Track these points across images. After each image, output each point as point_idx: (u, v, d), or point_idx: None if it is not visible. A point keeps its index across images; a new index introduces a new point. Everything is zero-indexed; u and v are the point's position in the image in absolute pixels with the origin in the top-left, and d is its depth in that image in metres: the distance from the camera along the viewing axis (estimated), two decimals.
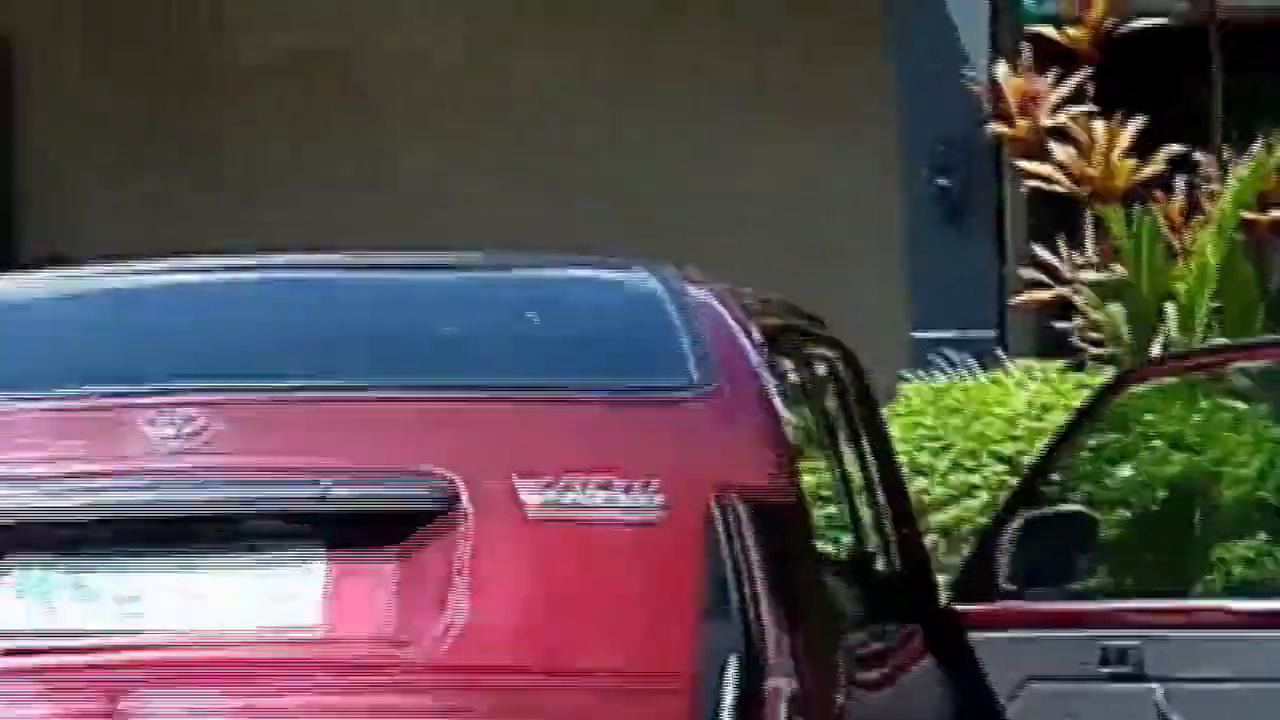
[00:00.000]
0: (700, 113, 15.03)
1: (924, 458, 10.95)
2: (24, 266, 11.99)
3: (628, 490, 5.29)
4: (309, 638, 5.25)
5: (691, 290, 6.14)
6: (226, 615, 5.34)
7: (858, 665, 6.28)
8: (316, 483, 5.33)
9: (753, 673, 5.27)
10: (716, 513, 5.23)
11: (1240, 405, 10.41)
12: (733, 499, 5.29)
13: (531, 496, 5.25)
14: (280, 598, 5.36)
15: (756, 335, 6.18)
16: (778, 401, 5.92)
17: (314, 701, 5.24)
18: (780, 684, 5.40)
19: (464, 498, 5.25)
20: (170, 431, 5.47)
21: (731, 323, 6.04)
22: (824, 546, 7.18)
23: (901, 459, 9.46)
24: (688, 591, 5.26)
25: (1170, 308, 12.36)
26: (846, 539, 7.71)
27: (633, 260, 6.36)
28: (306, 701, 5.23)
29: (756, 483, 5.41)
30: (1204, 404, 10.46)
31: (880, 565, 7.67)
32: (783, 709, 5.33)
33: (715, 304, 6.13)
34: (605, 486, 5.29)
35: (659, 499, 5.26)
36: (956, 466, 11.00)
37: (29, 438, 5.73)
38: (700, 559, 5.26)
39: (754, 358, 5.97)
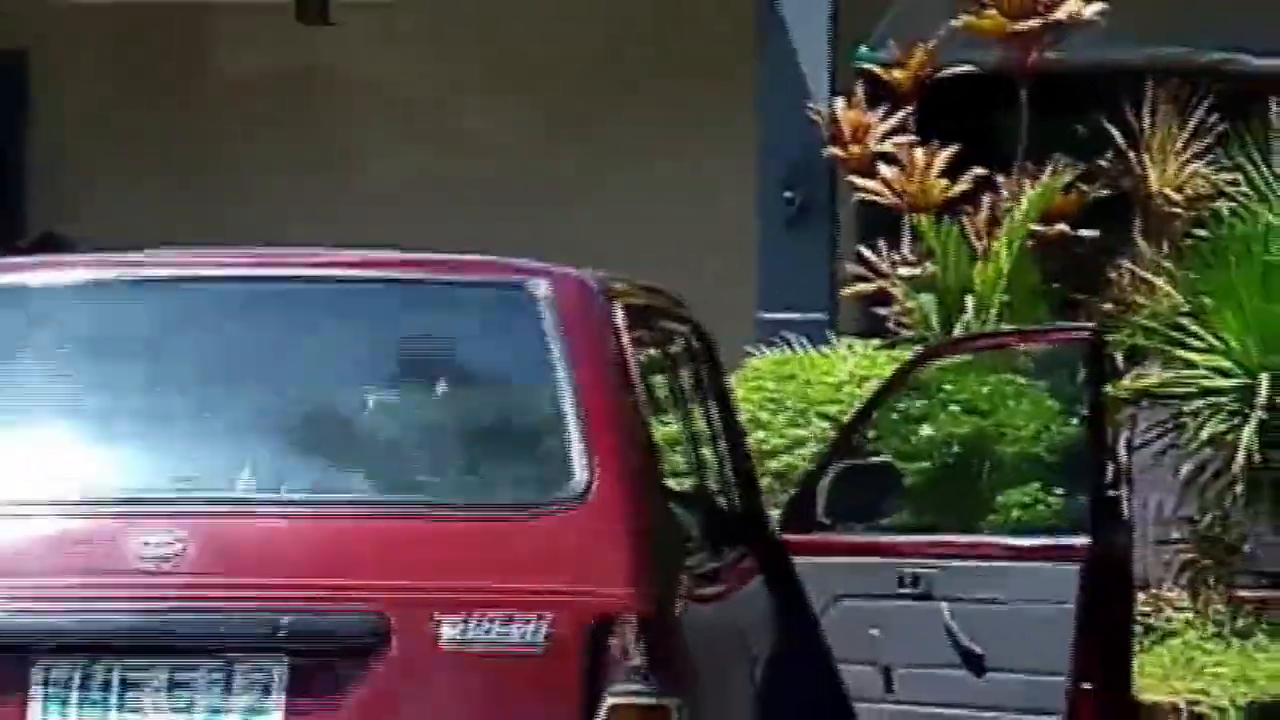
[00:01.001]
0: (597, 136, 14.86)
1: (764, 415, 10.89)
2: (18, 250, 11.82)
3: (521, 622, 5.17)
4: None
5: (578, 350, 5.73)
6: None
7: (701, 581, 6.25)
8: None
9: None
10: (590, 638, 5.17)
11: (1021, 379, 10.42)
12: (607, 623, 5.18)
13: (449, 629, 5.16)
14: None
15: (635, 414, 5.95)
16: (652, 503, 5.72)
17: None
18: None
19: (394, 635, 5.16)
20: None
21: (618, 411, 5.77)
22: (676, 485, 7.16)
23: (745, 415, 9.70)
24: (576, 705, 5.15)
25: (969, 300, 12.23)
26: (695, 480, 7.62)
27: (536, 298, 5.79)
28: None
29: (629, 606, 5.22)
30: (991, 377, 10.51)
31: (722, 501, 7.68)
32: None
33: (603, 378, 5.78)
34: (505, 620, 5.17)
35: (541, 625, 5.17)
36: (790, 423, 10.95)
37: None
38: (580, 681, 5.16)
39: (636, 458, 5.71)
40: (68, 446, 5.80)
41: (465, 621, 5.19)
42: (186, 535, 5.30)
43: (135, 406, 5.87)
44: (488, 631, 5.20)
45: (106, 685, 5.23)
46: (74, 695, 5.22)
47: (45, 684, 5.20)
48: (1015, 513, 9.58)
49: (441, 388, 6.07)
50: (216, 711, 5.27)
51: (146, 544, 5.26)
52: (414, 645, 5.20)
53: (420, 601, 5.23)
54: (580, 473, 5.36)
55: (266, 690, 5.21)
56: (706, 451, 7.75)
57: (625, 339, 6.01)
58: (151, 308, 6.05)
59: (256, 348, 6.07)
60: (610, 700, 5.18)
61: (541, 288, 5.73)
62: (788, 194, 14.02)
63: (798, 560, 7.60)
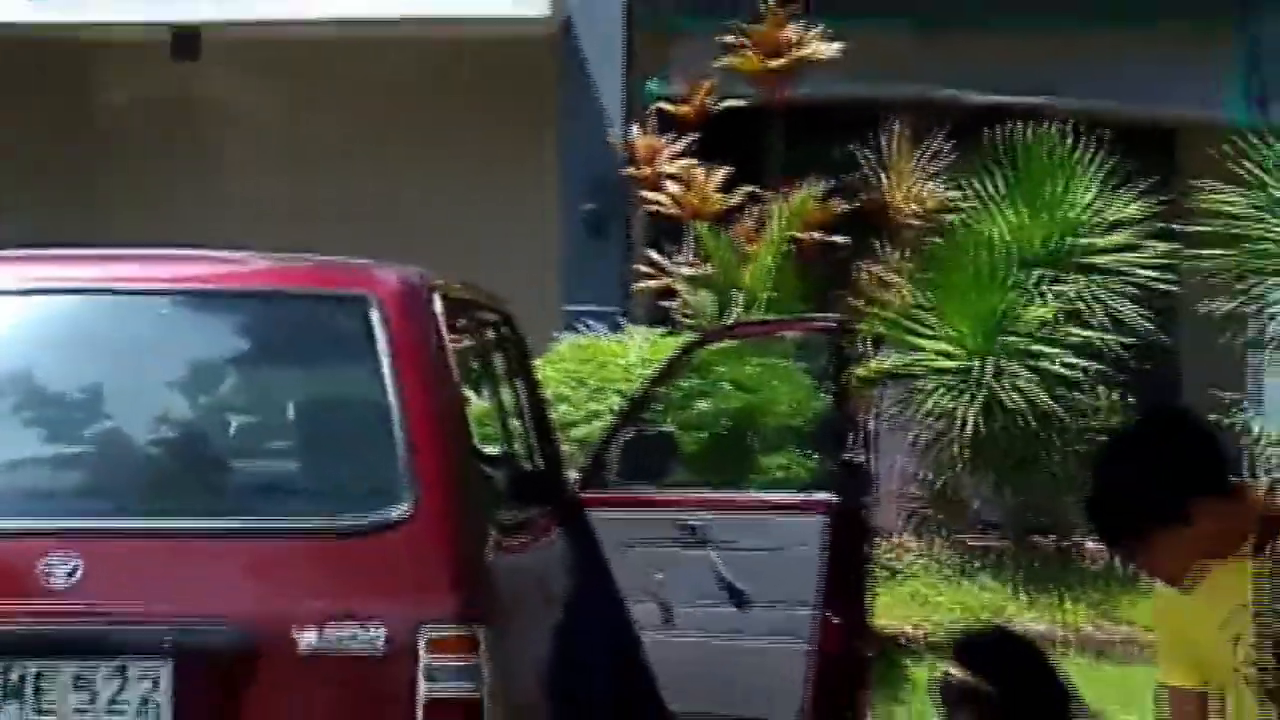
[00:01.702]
0: (427, 157, 14.74)
1: (566, 391, 10.80)
2: None
3: (360, 628, 5.16)
4: None
5: (409, 360, 5.67)
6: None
7: (506, 533, 6.30)
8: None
9: None
10: (427, 643, 5.17)
11: (782, 362, 10.46)
12: (435, 633, 5.18)
13: (305, 639, 5.15)
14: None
15: (455, 414, 5.95)
16: (474, 511, 5.74)
17: None
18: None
19: (258, 639, 5.14)
20: None
21: (440, 410, 5.72)
22: (488, 450, 7.28)
23: (550, 392, 9.68)
24: (409, 705, 5.15)
25: (739, 295, 12.32)
26: (505, 447, 7.75)
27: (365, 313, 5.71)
28: None
29: (458, 614, 5.26)
30: (757, 360, 10.53)
31: (526, 466, 7.71)
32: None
33: (425, 377, 5.72)
34: (349, 624, 5.16)
35: (379, 635, 5.18)
36: (589, 398, 10.85)
37: None
38: (414, 685, 5.16)
39: (456, 465, 5.70)
40: None
41: (316, 631, 5.18)
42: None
43: (26, 433, 5.79)
44: (335, 639, 5.19)
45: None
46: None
47: None
48: (776, 473, 9.67)
49: (283, 400, 6.07)
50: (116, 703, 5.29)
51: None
52: (275, 651, 5.18)
53: (278, 615, 5.21)
54: (410, 489, 5.35)
55: (152, 686, 5.23)
56: (515, 423, 7.80)
57: (448, 344, 5.94)
58: (31, 327, 5.94)
59: (102, 366, 5.94)
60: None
61: (375, 292, 5.69)
62: (589, 205, 14.12)
63: (594, 514, 7.61)
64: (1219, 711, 4.28)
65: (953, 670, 4.87)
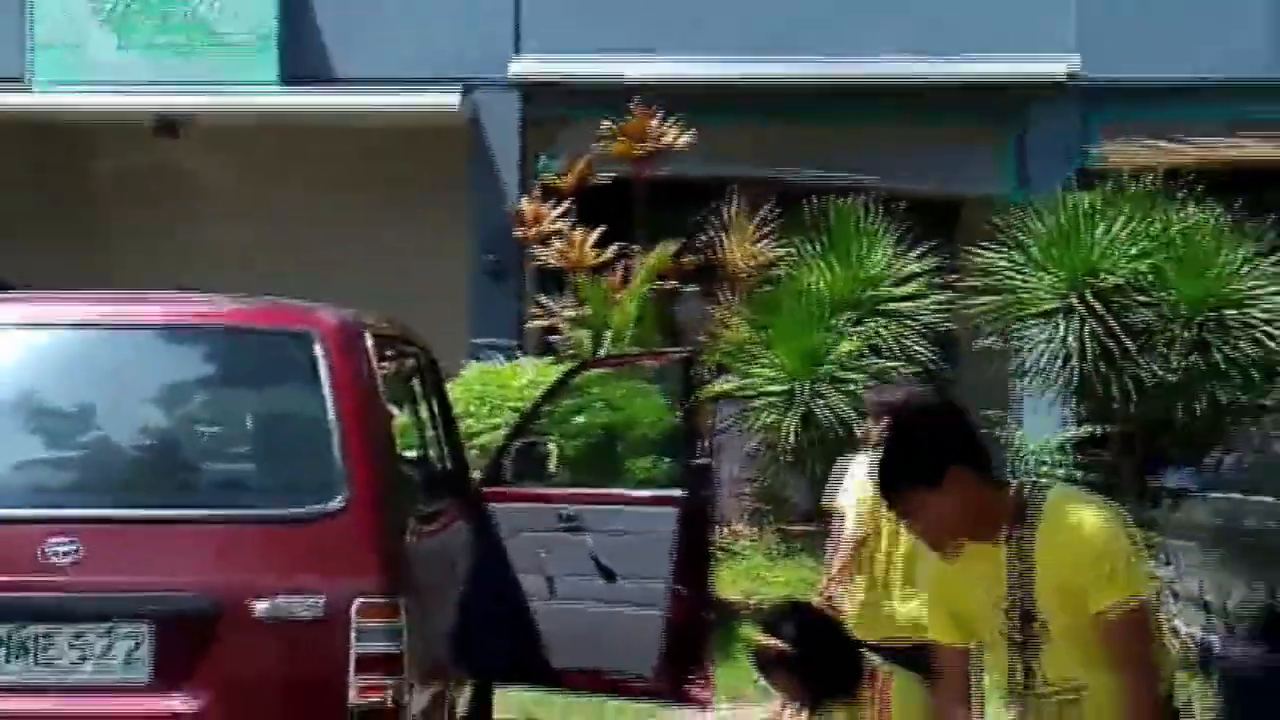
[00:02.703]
0: (362, 219, 14.52)
1: (472, 408, 10.56)
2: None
3: (303, 597, 5.15)
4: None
5: (344, 383, 5.63)
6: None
7: (421, 521, 6.29)
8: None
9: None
10: (357, 609, 5.17)
11: (643, 385, 10.26)
12: (362, 601, 5.17)
13: (259, 606, 5.14)
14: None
15: (381, 425, 5.93)
16: (395, 504, 5.73)
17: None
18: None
19: (223, 606, 5.14)
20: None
21: (369, 423, 5.69)
22: (408, 454, 7.20)
23: (458, 408, 9.42)
24: (343, 658, 5.13)
25: (609, 332, 12.28)
26: (421, 453, 7.66)
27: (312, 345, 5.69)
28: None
29: (381, 587, 5.26)
30: (623, 384, 10.39)
31: (439, 467, 7.69)
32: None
33: (357, 395, 5.68)
34: (295, 595, 5.15)
35: (319, 602, 5.17)
36: (490, 414, 10.58)
37: None
38: (348, 641, 5.15)
39: (381, 466, 5.70)
40: None
41: (275, 598, 5.16)
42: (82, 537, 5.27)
43: (31, 439, 5.71)
44: (284, 606, 5.17)
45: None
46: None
47: None
48: (639, 474, 9.54)
49: (242, 414, 6.02)
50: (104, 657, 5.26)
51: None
52: (237, 615, 5.16)
53: (243, 586, 5.19)
54: (343, 486, 5.33)
55: (136, 644, 5.22)
56: (430, 433, 7.76)
57: (376, 370, 5.92)
58: (33, 354, 5.88)
59: (106, 394, 5.86)
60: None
61: (317, 328, 5.67)
62: (490, 257, 14.03)
63: (491, 505, 7.59)
64: (979, 663, 4.36)
65: (762, 639, 4.91)
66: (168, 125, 14.22)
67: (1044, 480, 5.71)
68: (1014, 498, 4.08)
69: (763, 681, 5.20)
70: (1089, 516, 3.95)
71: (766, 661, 4.97)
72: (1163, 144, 13.61)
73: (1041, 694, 4.01)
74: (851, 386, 11.58)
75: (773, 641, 4.91)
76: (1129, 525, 3.99)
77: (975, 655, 4.33)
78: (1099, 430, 12.43)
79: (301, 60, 14.13)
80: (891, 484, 4.09)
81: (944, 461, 3.97)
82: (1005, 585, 4.02)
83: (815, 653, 4.90)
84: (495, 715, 8.15)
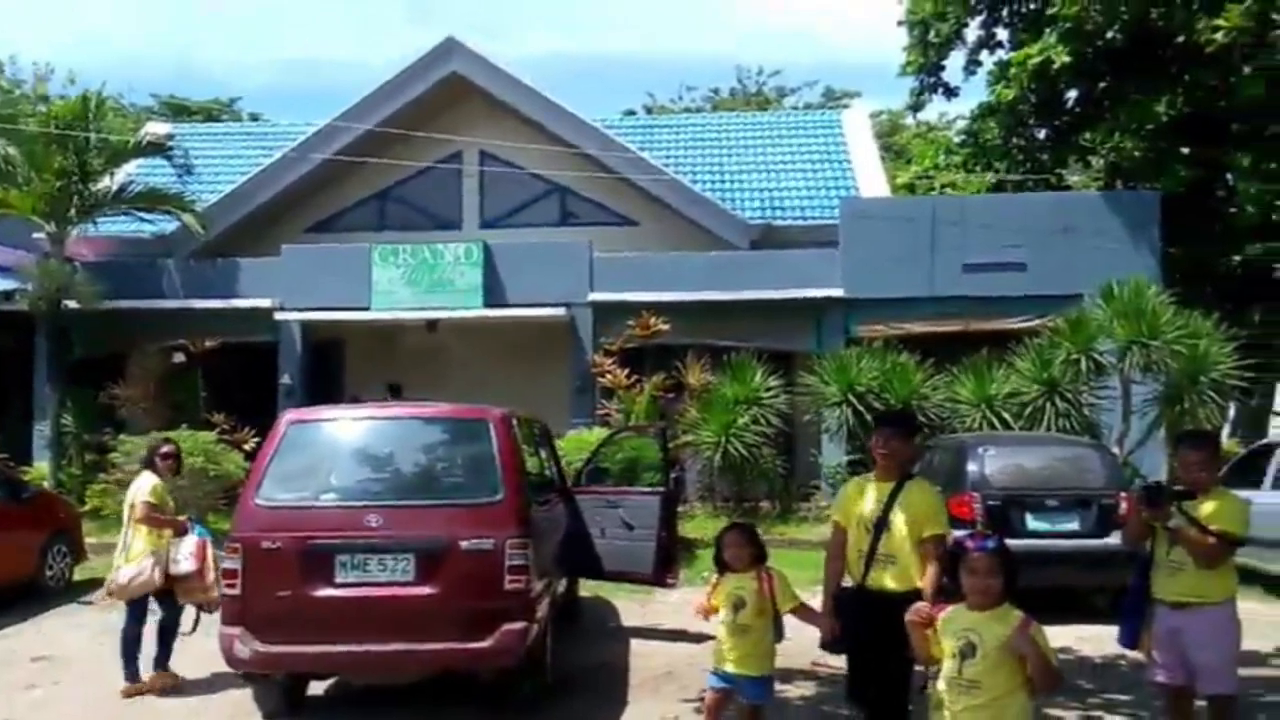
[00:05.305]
0: (515, 368, 13.97)
1: (570, 452, 10.40)
2: (354, 398, 12.68)
3: (482, 540, 4.99)
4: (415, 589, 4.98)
5: (502, 441, 5.32)
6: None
7: (546, 505, 6.33)
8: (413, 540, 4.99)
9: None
10: (507, 545, 5.03)
11: (648, 440, 9.65)
12: (510, 541, 4.96)
13: (463, 544, 4.99)
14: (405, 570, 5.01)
15: (519, 460, 5.51)
16: (525, 497, 5.33)
17: (415, 595, 4.97)
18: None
19: (447, 544, 4.99)
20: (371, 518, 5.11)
21: (513, 460, 5.33)
22: (533, 473, 6.73)
23: (564, 452, 9.52)
24: (502, 567, 4.98)
25: (633, 416, 12.30)
26: (539, 472, 7.36)
27: (480, 417, 5.46)
28: (413, 596, 4.98)
29: (518, 535, 5.06)
30: (638, 439, 9.93)
31: (554, 480, 7.52)
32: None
33: (508, 448, 5.33)
34: (478, 539, 5.00)
35: (490, 543, 5.01)
36: (577, 454, 10.18)
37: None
38: (504, 560, 4.98)
39: (519, 480, 5.31)
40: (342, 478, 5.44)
41: (470, 541, 4.98)
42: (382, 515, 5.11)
43: (362, 468, 5.47)
44: (474, 544, 4.97)
45: (361, 564, 5.04)
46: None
47: (340, 565, 5.02)
48: (648, 482, 8.93)
49: (453, 457, 5.54)
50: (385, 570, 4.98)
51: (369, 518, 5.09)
52: (453, 548, 4.97)
53: (455, 535, 5.00)
54: (501, 489, 5.18)
55: (408, 563, 5.03)
56: (548, 462, 7.61)
57: (518, 435, 5.69)
58: (365, 431, 5.64)
59: (395, 446, 5.55)
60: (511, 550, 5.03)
61: (490, 417, 5.46)
62: (577, 383, 13.78)
63: (577, 497, 7.54)
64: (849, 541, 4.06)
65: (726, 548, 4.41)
66: (432, 325, 14.24)
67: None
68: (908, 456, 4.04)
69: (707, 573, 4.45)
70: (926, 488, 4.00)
71: (720, 562, 4.40)
72: (880, 327, 13.50)
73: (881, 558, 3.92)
74: (747, 438, 11.82)
75: (739, 547, 4.33)
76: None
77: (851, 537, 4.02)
78: (858, 456, 11.53)
79: (492, 295, 14.02)
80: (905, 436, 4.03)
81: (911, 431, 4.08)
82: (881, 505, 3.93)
83: (757, 547, 4.40)
84: (579, 591, 8.11)
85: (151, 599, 6.30)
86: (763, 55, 55.83)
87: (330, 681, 6.03)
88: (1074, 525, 7.81)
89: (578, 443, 11.36)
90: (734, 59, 50.79)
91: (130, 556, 6.19)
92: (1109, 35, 13.88)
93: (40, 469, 12.68)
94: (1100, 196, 14.29)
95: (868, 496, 3.99)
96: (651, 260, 14.15)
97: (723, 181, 16.77)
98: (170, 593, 6.28)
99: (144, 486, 6.32)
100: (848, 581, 4.03)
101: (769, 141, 17.78)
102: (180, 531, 6.29)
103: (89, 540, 10.15)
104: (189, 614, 6.30)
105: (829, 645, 4.07)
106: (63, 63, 44.50)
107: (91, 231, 14.24)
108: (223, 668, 5.27)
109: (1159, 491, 4.05)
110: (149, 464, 6.51)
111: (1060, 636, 3.29)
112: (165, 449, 6.55)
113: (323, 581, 4.95)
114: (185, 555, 6.13)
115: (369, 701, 5.90)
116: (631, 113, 28.83)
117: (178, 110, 28.40)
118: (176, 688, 6.22)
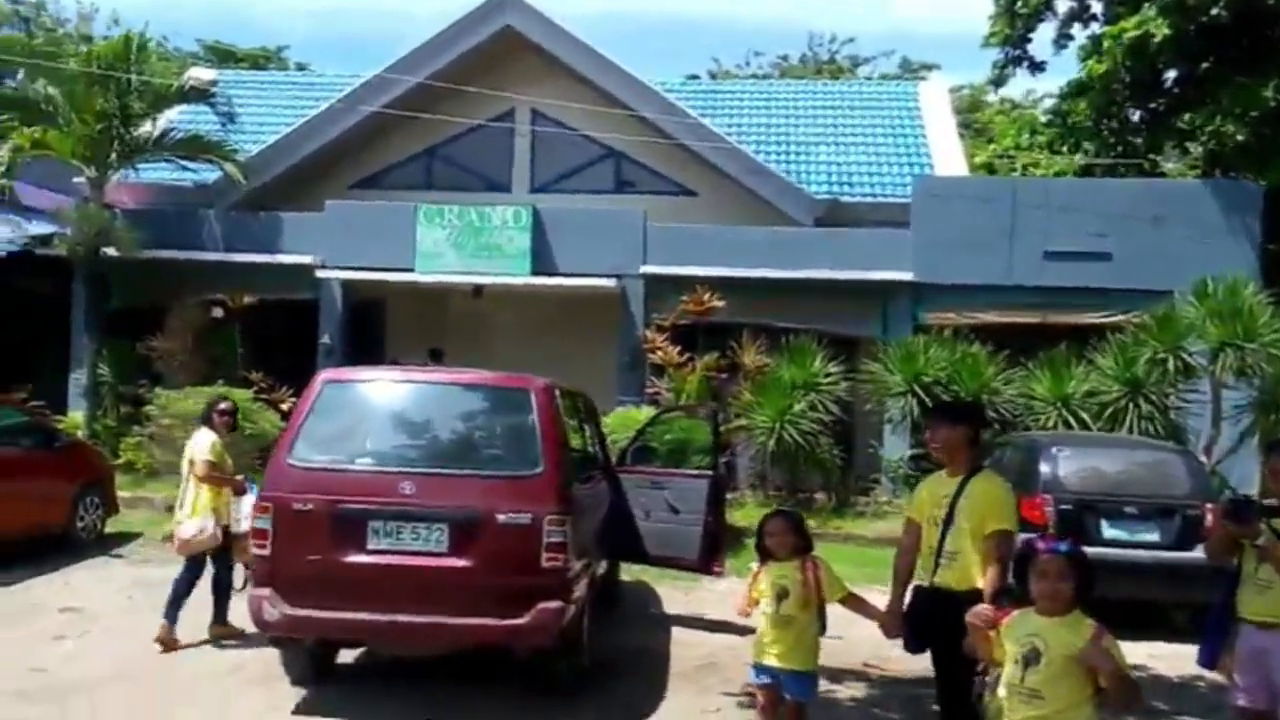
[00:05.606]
0: (565, 337, 13.96)
1: (619, 433, 10.27)
2: (394, 361, 12.11)
3: (520, 514, 5.03)
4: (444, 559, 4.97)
5: (544, 413, 5.29)
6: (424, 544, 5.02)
7: (584, 482, 6.18)
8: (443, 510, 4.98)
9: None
10: (546, 521, 5.03)
11: (699, 421, 9.82)
12: (549, 517, 5.06)
13: (500, 517, 5.01)
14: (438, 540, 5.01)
15: (562, 434, 5.48)
16: (567, 472, 5.32)
17: (444, 566, 4.99)
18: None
19: (483, 516, 5.00)
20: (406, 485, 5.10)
21: (555, 433, 5.31)
22: (575, 448, 6.68)
23: (610, 430, 9.72)
24: (539, 544, 4.98)
25: (684, 396, 12.11)
26: (584, 447, 7.39)
27: (523, 387, 5.44)
28: (444, 567, 4.99)
29: (558, 511, 5.07)
30: (688, 420, 10.09)
31: (598, 458, 7.53)
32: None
33: (550, 419, 5.32)
34: (516, 513, 5.01)
35: (528, 517, 5.01)
36: (622, 431, 10.24)
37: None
38: (541, 536, 5.01)
39: (560, 454, 5.28)
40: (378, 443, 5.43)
41: (506, 514, 5.01)
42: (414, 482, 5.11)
43: (398, 433, 5.47)
44: (511, 518, 5.01)
45: (395, 531, 5.02)
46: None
47: (374, 532, 5.02)
48: (696, 465, 8.93)
49: (494, 426, 5.60)
50: (429, 541, 5.01)
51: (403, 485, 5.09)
52: (489, 521, 5.01)
53: (491, 508, 5.02)
54: (541, 463, 5.18)
55: (442, 533, 5.05)
56: (592, 438, 7.63)
57: (560, 407, 5.67)
58: (403, 395, 5.61)
59: (433, 412, 5.55)
60: (549, 526, 5.02)
61: (532, 387, 5.46)
62: (626, 358, 13.55)
63: (622, 475, 7.57)
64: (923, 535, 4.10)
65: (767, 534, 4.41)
66: (477, 290, 14.12)
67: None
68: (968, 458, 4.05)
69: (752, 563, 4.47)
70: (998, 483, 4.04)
71: (763, 549, 4.36)
72: (950, 315, 13.25)
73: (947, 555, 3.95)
74: (803, 425, 11.66)
75: (783, 533, 4.29)
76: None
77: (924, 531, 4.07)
78: (922, 450, 10.92)
79: (540, 262, 13.85)
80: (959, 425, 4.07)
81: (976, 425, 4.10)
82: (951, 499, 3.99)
83: (801, 532, 4.38)
84: (621, 576, 8.10)
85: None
86: (834, 22, 54.12)
87: (359, 651, 6.10)
88: (1154, 536, 7.62)
89: (624, 420, 11.32)
90: (805, 25, 49.42)
91: (195, 511, 6.34)
92: (1213, 11, 13.44)
93: (75, 419, 12.72)
94: (1197, 185, 13.89)
95: (938, 491, 4.03)
96: (709, 233, 13.83)
97: (788, 153, 16.33)
98: (227, 549, 6.44)
99: (203, 444, 6.46)
100: (922, 580, 4.03)
101: (839, 113, 17.32)
102: (239, 491, 6.42)
103: (121, 494, 10.22)
104: (238, 571, 6.44)
105: (910, 647, 4.11)
106: (107, 3, 44.78)
107: (132, 178, 14.15)
108: None
109: (1247, 506, 3.98)
110: (206, 420, 6.64)
111: (1133, 653, 3.13)
112: (223, 405, 6.70)
113: (354, 547, 4.96)
114: (245, 515, 6.15)
115: (398, 673, 5.94)
116: (695, 77, 27.17)
117: (223, 56, 28.69)
118: (237, 638, 6.33)
